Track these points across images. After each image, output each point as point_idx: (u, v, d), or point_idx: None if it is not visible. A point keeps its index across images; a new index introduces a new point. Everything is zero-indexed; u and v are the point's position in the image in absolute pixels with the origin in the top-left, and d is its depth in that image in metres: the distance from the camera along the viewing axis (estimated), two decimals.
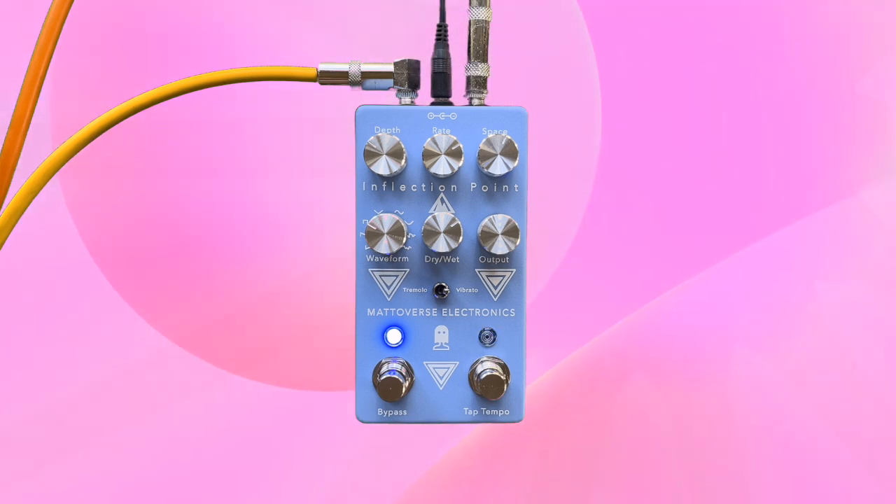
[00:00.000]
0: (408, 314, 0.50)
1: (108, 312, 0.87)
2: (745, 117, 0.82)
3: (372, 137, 0.48)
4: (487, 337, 0.51)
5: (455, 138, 0.48)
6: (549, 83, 0.80)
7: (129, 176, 0.78)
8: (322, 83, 0.50)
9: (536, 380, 0.84)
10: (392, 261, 0.50)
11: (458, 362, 0.51)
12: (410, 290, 0.50)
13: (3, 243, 0.48)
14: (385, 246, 0.49)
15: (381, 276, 0.50)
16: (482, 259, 0.50)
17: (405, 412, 0.51)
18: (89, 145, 0.49)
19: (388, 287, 0.50)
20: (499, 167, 0.49)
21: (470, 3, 0.50)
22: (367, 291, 0.50)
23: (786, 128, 0.80)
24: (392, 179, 0.50)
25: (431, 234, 0.49)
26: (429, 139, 0.48)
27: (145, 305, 0.85)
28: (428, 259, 0.50)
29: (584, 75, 0.83)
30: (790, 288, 0.68)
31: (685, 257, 0.80)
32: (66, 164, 0.49)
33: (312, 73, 0.50)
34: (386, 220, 0.49)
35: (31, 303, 0.91)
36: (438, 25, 0.51)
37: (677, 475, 0.70)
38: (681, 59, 0.85)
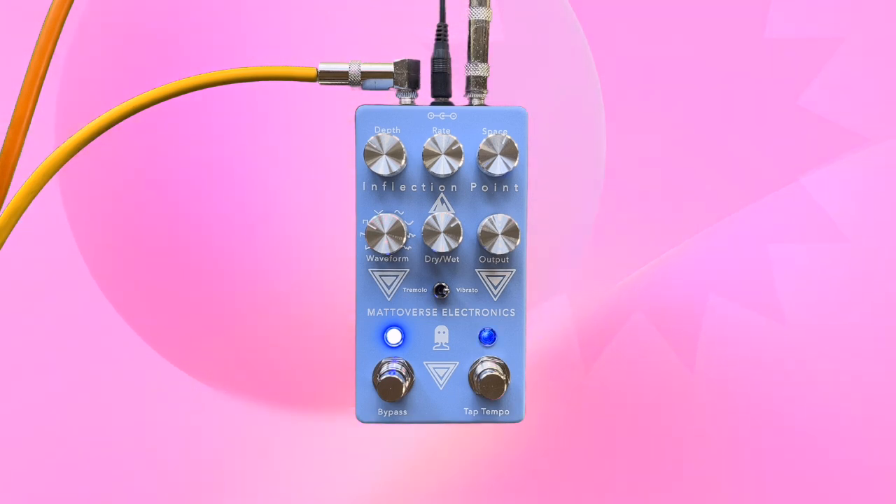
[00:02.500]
0: (408, 314, 0.51)
1: (99, 321, 0.87)
2: (714, 114, 0.99)
3: (372, 137, 0.48)
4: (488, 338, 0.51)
5: (455, 138, 0.48)
6: (548, 80, 0.81)
7: (125, 179, 0.78)
8: (322, 83, 0.50)
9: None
10: (392, 261, 0.50)
11: (458, 362, 0.51)
12: (410, 290, 0.50)
13: (2, 243, 0.48)
14: (385, 246, 0.49)
15: (381, 276, 0.50)
16: (482, 259, 0.50)
17: (405, 412, 0.51)
18: (89, 148, 0.49)
19: (388, 287, 0.50)
20: (499, 167, 0.49)
21: (470, 3, 0.50)
22: (367, 291, 0.50)
23: (742, 126, 0.99)
24: (392, 179, 0.50)
25: (431, 234, 0.49)
26: (429, 139, 0.48)
27: (137, 318, 0.85)
28: (428, 259, 0.50)
29: (582, 71, 0.84)
30: (751, 251, 0.87)
31: (674, 227, 0.98)
32: (66, 170, 0.49)
33: (312, 73, 0.50)
34: (386, 220, 0.49)
35: (23, 309, 0.91)
36: (438, 25, 0.51)
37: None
38: (657, 63, 0.94)
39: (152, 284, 0.80)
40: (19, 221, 0.49)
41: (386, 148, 0.48)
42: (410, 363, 0.50)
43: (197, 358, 0.84)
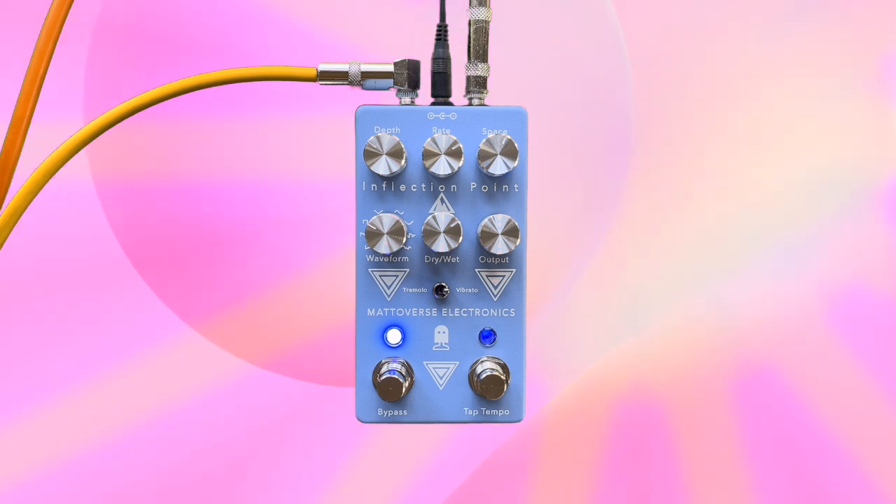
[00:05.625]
0: (408, 314, 0.50)
1: (130, 297, 0.87)
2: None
3: (372, 137, 0.48)
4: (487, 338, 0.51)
5: (455, 138, 0.48)
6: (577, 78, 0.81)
7: (154, 171, 0.78)
8: (322, 83, 0.50)
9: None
10: (392, 261, 0.50)
11: (458, 362, 0.51)
12: (410, 290, 0.50)
13: (2, 243, 0.48)
14: (385, 246, 0.49)
15: (381, 276, 0.50)
16: (482, 259, 0.50)
17: (405, 412, 0.51)
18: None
19: (388, 287, 0.50)
20: (499, 167, 0.49)
21: (470, 3, 0.50)
22: (367, 291, 0.50)
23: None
24: (392, 179, 0.50)
25: (431, 234, 0.49)
26: (429, 139, 0.48)
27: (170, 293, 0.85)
28: (428, 259, 0.50)
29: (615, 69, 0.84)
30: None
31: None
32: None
33: (312, 73, 0.50)
34: (386, 220, 0.49)
35: (58, 290, 0.91)
36: (438, 25, 0.51)
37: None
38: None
39: (181, 263, 0.80)
40: (51, 211, 0.49)
41: (386, 148, 0.48)
42: (410, 363, 0.50)
43: (227, 331, 0.85)
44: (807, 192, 0.85)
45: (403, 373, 0.49)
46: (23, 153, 0.50)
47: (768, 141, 0.86)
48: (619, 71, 0.83)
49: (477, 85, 0.50)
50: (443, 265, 0.50)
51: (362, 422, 0.51)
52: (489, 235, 0.49)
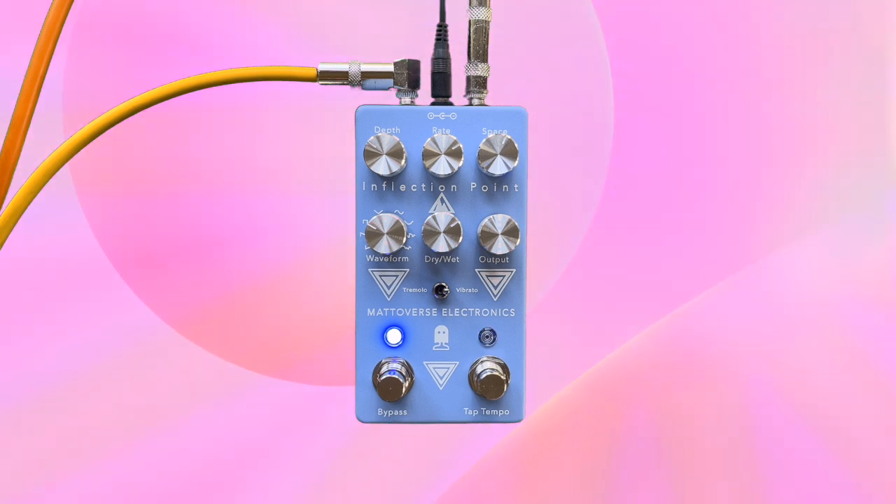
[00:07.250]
0: (408, 314, 0.51)
1: (114, 299, 0.87)
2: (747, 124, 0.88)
3: (372, 137, 0.48)
4: (487, 337, 0.51)
5: (455, 138, 0.48)
6: (559, 82, 0.80)
7: (140, 172, 0.78)
8: (322, 83, 0.50)
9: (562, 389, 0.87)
10: (392, 261, 0.50)
11: (458, 362, 0.51)
12: (410, 290, 0.50)
13: (2, 243, 0.48)
14: (385, 246, 0.49)
15: (380, 276, 0.50)
16: (482, 259, 0.50)
17: (405, 412, 0.51)
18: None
19: (388, 287, 0.50)
20: (499, 167, 0.49)
21: (470, 3, 0.50)
22: (367, 291, 0.50)
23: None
24: (392, 179, 0.50)
25: (431, 234, 0.49)
26: (429, 139, 0.48)
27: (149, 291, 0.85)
28: (428, 259, 0.50)
29: (596, 75, 0.83)
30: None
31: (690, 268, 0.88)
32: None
33: (312, 73, 0.50)
34: (386, 220, 0.49)
35: (46, 300, 0.91)
36: (438, 25, 0.51)
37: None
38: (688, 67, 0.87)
39: (167, 267, 0.80)
40: (39, 220, 0.49)
41: (386, 148, 0.48)
42: (410, 363, 0.50)
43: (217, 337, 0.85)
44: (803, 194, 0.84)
45: (403, 373, 0.49)
46: (22, 153, 0.50)
47: (770, 141, 0.86)
48: (601, 72, 0.83)
49: (477, 85, 0.50)
50: (443, 265, 0.50)
51: (362, 422, 0.51)
52: (489, 235, 0.49)
